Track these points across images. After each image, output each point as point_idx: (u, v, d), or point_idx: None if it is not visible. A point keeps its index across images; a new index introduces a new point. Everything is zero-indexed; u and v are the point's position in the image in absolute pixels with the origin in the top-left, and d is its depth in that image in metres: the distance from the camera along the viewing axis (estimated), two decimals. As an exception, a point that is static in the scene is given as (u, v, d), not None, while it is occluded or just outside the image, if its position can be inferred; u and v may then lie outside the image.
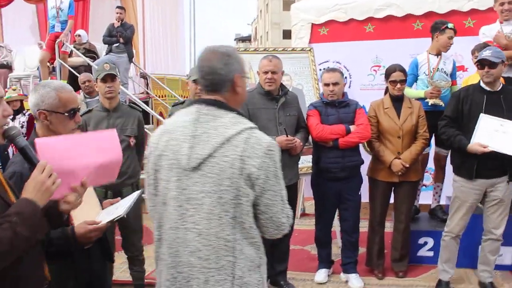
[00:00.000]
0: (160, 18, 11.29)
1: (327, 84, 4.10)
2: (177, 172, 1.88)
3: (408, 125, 4.14)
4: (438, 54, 4.66)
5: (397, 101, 4.22)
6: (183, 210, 1.87)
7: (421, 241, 4.70)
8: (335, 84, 4.08)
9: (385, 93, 4.37)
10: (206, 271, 1.85)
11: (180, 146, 1.88)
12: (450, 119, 3.88)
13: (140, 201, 3.96)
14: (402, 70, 4.20)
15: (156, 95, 9.44)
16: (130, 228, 3.82)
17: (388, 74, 4.22)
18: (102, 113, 3.79)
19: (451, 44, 4.62)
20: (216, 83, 1.92)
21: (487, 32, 4.78)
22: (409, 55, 5.62)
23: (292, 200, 4.12)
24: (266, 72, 3.85)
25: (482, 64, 3.72)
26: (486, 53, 3.73)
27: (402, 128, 4.13)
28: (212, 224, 1.84)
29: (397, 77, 4.16)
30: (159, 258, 1.98)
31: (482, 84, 3.81)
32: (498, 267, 4.43)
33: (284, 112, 3.92)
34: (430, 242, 4.66)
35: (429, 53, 4.69)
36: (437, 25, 4.64)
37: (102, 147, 1.98)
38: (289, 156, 3.87)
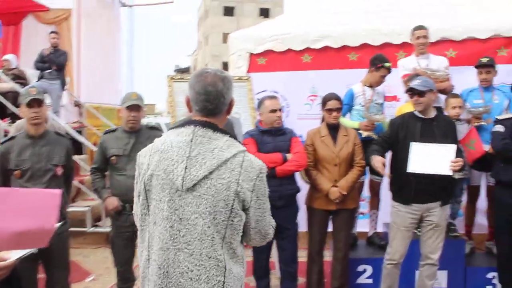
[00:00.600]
0: (97, 46, 11.02)
1: (273, 111, 4.07)
2: (169, 193, 1.91)
3: (344, 153, 4.17)
4: (371, 86, 4.78)
5: (334, 129, 4.25)
6: (174, 231, 1.89)
7: (360, 268, 4.70)
8: (280, 110, 4.12)
9: (322, 121, 4.41)
10: None
11: (175, 167, 1.90)
12: (385, 141, 3.96)
13: (67, 235, 3.74)
14: (338, 99, 4.25)
15: (90, 125, 9.14)
16: (55, 264, 3.57)
17: (324, 102, 4.25)
18: (26, 140, 3.58)
19: (383, 82, 4.79)
20: (220, 107, 1.98)
21: (406, 65, 4.98)
22: (345, 85, 5.73)
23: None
24: None
25: (412, 93, 3.85)
26: (415, 83, 3.87)
27: (338, 156, 4.15)
28: (204, 244, 1.88)
29: (333, 105, 4.20)
30: (146, 278, 1.98)
31: (416, 112, 3.93)
32: (435, 292, 4.53)
33: None
34: (369, 269, 4.68)
35: (364, 85, 4.80)
36: (375, 60, 4.77)
37: (35, 208, 1.79)
38: None
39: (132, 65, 12.72)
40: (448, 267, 4.57)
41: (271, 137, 4.11)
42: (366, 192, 5.22)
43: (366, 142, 4.39)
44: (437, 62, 5.01)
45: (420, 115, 3.90)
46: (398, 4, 6.07)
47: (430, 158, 3.74)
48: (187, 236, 1.88)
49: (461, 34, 5.62)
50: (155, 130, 4.12)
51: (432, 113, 3.92)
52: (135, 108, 3.89)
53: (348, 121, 4.74)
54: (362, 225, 5.26)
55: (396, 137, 3.91)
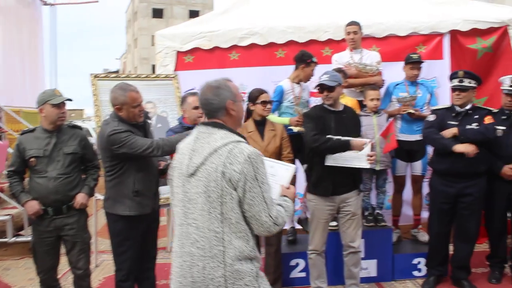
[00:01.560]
0: (17, 47, 10.42)
1: (197, 107, 4.03)
2: (182, 179, 2.38)
3: (272, 147, 4.20)
4: (299, 83, 4.84)
5: (260, 124, 4.28)
6: (185, 209, 2.35)
7: (293, 263, 4.75)
8: None
9: (247, 118, 4.41)
10: (203, 259, 2.27)
11: (184, 159, 2.39)
12: (317, 134, 3.97)
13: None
14: (267, 92, 4.31)
15: (11, 129, 8.63)
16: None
17: (256, 96, 4.27)
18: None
19: (313, 75, 4.86)
20: (212, 110, 2.41)
21: (339, 59, 5.13)
22: (272, 82, 5.78)
23: (157, 228, 3.94)
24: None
25: (321, 88, 3.95)
26: (323, 78, 3.97)
27: (266, 150, 4.16)
28: (204, 218, 2.28)
29: (266, 98, 4.26)
30: (173, 250, 2.45)
31: (326, 105, 4.05)
32: (365, 280, 4.67)
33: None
34: (302, 263, 4.73)
35: (293, 82, 4.85)
36: (303, 57, 4.82)
37: None
38: (156, 183, 3.74)
39: (56, 68, 12.16)
40: (377, 256, 4.74)
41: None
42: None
43: (296, 137, 4.44)
44: (370, 57, 5.19)
45: (331, 108, 4.02)
46: (323, 2, 6.18)
47: (348, 153, 3.89)
48: (193, 213, 2.31)
49: (383, 31, 5.82)
50: (77, 129, 3.95)
51: (341, 106, 4.07)
52: (63, 104, 3.78)
53: (277, 118, 4.77)
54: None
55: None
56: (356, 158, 3.88)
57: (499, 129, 4.43)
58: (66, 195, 3.75)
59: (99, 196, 4.97)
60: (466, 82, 4.28)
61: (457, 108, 4.36)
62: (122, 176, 3.56)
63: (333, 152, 3.92)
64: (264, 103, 4.23)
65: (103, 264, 5.52)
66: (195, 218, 2.30)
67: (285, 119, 4.73)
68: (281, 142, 4.27)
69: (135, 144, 3.41)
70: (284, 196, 2.50)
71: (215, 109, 2.41)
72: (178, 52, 5.92)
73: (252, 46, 5.87)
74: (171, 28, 6.45)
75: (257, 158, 2.28)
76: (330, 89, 3.92)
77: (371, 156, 3.89)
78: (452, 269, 4.59)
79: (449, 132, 4.23)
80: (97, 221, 5.48)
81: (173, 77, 5.51)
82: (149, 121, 3.93)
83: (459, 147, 4.13)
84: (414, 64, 4.94)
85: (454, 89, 4.35)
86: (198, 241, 2.28)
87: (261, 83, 5.16)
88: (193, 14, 43.59)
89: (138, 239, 3.69)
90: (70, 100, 3.81)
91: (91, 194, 3.95)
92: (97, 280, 5.01)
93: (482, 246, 5.19)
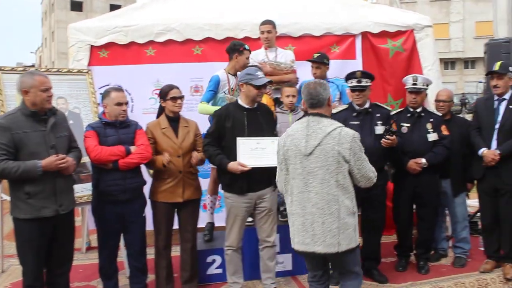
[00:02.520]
0: None
1: (120, 104, 3.96)
2: (300, 158, 3.19)
3: (186, 144, 4.18)
4: (235, 74, 4.87)
5: (174, 121, 4.24)
6: (306, 180, 3.17)
7: (209, 259, 4.74)
8: (126, 103, 4.03)
9: (159, 114, 4.36)
10: (322, 216, 3.12)
11: (300, 142, 3.19)
12: (212, 137, 4.07)
13: None
14: (178, 88, 4.26)
15: None
16: None
17: (166, 92, 4.22)
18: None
19: (248, 63, 4.87)
20: (319, 102, 3.27)
21: (254, 57, 5.18)
22: (190, 78, 5.79)
23: (71, 230, 3.80)
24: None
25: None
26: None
27: (181, 147, 4.15)
28: (324, 185, 3.12)
29: (177, 93, 4.21)
30: (291, 214, 3.29)
31: (240, 102, 4.11)
32: (281, 274, 4.77)
33: (55, 134, 3.58)
34: (218, 259, 4.73)
35: (228, 73, 4.86)
36: (235, 46, 4.84)
37: None
38: (63, 179, 3.58)
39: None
40: (292, 250, 4.77)
41: (114, 129, 3.99)
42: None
43: None
44: (285, 55, 5.27)
45: (245, 105, 4.09)
46: (241, 0, 6.22)
47: (258, 152, 3.98)
48: (313, 183, 3.15)
49: (298, 31, 5.97)
50: None
51: (255, 104, 4.13)
52: None
53: (208, 107, 4.73)
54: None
55: (223, 129, 4.04)
56: (267, 157, 3.95)
57: (404, 125, 4.71)
58: None
59: (5, 197, 4.72)
60: (364, 82, 4.48)
61: (357, 108, 4.57)
62: None
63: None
64: (174, 99, 4.18)
65: (10, 269, 5.22)
66: (315, 186, 3.13)
67: (215, 109, 4.73)
68: (195, 138, 4.26)
69: None
70: None
71: (322, 101, 3.27)
72: (92, 47, 5.73)
73: (169, 42, 5.80)
74: (85, 21, 6.23)
75: (357, 136, 3.19)
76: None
77: None
78: (362, 261, 4.79)
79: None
80: (3, 224, 5.16)
81: (86, 72, 5.32)
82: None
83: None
84: (313, 63, 5.08)
85: (353, 89, 4.55)
86: (318, 203, 3.12)
87: (177, 80, 5.08)
88: (114, 8, 42.22)
89: (42, 243, 3.54)
90: None
91: None
92: (3, 287, 4.75)
93: (392, 238, 5.43)
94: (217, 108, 4.66)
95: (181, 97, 4.24)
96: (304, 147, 3.15)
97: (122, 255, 4.56)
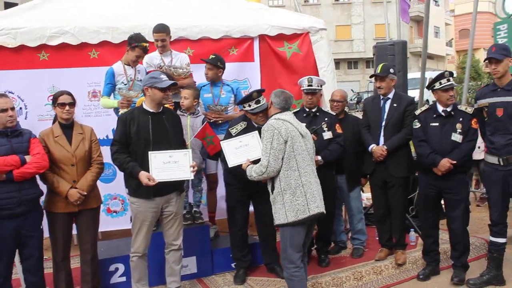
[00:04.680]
0: None
1: (4, 110, 3.76)
2: (300, 138, 3.85)
3: (81, 152, 4.06)
4: (131, 65, 4.81)
5: (67, 128, 4.11)
6: (309, 155, 3.92)
7: (112, 268, 4.66)
8: (12, 109, 3.83)
9: (54, 121, 4.21)
10: (317, 184, 3.97)
11: (296, 125, 3.91)
12: (120, 143, 4.00)
13: None
14: (69, 94, 4.12)
15: None
16: None
17: (56, 98, 4.09)
18: None
19: (139, 62, 4.86)
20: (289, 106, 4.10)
21: (149, 61, 5.13)
22: (87, 83, 5.63)
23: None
24: None
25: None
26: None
27: (75, 155, 4.03)
28: (312, 161, 4.00)
29: (65, 100, 4.06)
30: (302, 185, 3.79)
31: (145, 106, 4.08)
32: (186, 277, 4.79)
33: None
34: (121, 267, 4.67)
35: (124, 64, 4.77)
36: (131, 40, 4.79)
37: None
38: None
39: None
40: (196, 252, 4.87)
41: (6, 138, 3.80)
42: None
43: None
44: (180, 59, 5.24)
45: (149, 109, 4.07)
46: (139, 3, 6.12)
47: (171, 165, 3.97)
48: (312, 157, 4.00)
49: (197, 34, 5.98)
50: None
51: (161, 108, 4.12)
52: None
53: (109, 101, 4.70)
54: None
55: (129, 134, 3.99)
56: (179, 170, 3.97)
57: None
58: None
59: None
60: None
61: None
62: None
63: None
64: (62, 105, 4.04)
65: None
66: (313, 160, 3.98)
67: (115, 102, 4.69)
68: (91, 145, 4.15)
69: None
70: None
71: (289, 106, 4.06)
72: (-23, 51, 5.37)
73: (63, 45, 5.54)
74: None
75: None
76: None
77: (193, 167, 4.02)
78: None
79: None
80: None
81: (-31, 79, 4.99)
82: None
83: None
84: (207, 63, 5.17)
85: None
86: (315, 174, 3.96)
87: (74, 85, 4.99)
88: (9, 6, 39.69)
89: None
90: None
91: None
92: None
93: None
94: (114, 102, 4.68)
95: (70, 104, 4.08)
96: (301, 129, 3.88)
97: (18, 272, 4.33)
